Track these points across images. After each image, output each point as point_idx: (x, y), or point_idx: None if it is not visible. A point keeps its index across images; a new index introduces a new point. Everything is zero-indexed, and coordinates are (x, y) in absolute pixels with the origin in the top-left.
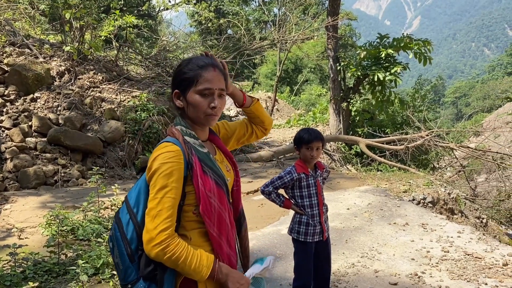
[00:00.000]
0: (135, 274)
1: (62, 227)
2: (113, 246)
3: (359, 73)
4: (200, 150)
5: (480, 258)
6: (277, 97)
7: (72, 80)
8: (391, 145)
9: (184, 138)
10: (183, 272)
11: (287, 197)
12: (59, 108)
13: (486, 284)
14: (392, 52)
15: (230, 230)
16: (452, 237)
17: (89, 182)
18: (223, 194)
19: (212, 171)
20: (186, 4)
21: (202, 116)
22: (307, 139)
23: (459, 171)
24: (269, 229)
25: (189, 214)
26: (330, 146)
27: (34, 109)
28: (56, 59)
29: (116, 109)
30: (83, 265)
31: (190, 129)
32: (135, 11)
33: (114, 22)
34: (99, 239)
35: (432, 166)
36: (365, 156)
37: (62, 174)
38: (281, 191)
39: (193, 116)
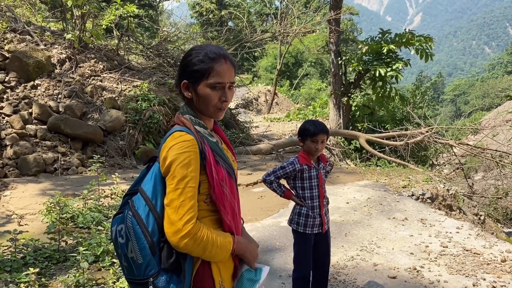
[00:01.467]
0: (156, 267)
1: (62, 214)
2: (128, 241)
3: (361, 68)
4: (210, 139)
5: (479, 254)
6: (276, 91)
7: (73, 68)
8: (391, 140)
9: (195, 127)
10: (210, 255)
11: (288, 188)
12: (60, 96)
13: (484, 279)
14: (394, 47)
15: (238, 218)
16: (451, 232)
17: (89, 170)
18: (233, 183)
19: (223, 160)
20: None
21: (212, 110)
22: (312, 132)
23: (457, 168)
24: (268, 221)
25: (201, 203)
26: (329, 141)
27: (34, 96)
28: (57, 46)
29: (117, 98)
30: (83, 252)
31: (198, 118)
32: (136, 1)
33: (115, 11)
34: (99, 227)
35: (431, 162)
36: (364, 151)
37: (62, 162)
38: (283, 181)
39: (202, 108)
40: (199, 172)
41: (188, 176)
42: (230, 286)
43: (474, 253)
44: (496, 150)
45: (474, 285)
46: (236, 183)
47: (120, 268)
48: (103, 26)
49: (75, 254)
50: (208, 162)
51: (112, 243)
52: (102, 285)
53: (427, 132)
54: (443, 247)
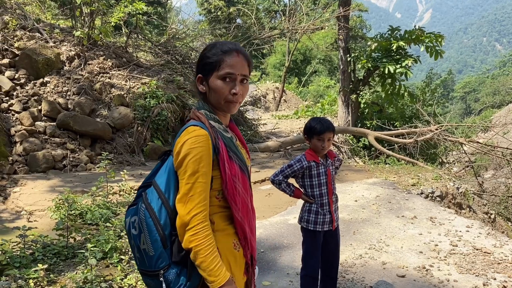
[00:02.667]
0: (167, 259)
1: (71, 211)
2: (140, 232)
3: (370, 65)
4: (225, 134)
5: (489, 253)
6: (285, 88)
7: (82, 65)
8: (400, 138)
9: (209, 122)
10: (200, 266)
11: (297, 186)
12: (69, 93)
13: (495, 279)
14: (404, 44)
15: (252, 214)
16: (460, 231)
17: (98, 167)
18: (246, 179)
19: (236, 156)
20: None
21: (223, 102)
22: (319, 130)
23: (467, 166)
24: (276, 218)
25: (213, 199)
26: (338, 138)
27: (43, 93)
28: (66, 44)
29: (125, 95)
30: (91, 249)
31: (213, 113)
32: None
33: (124, 8)
34: (108, 224)
35: (440, 160)
36: (373, 148)
37: (71, 159)
38: (291, 180)
39: (214, 101)
40: (211, 168)
41: (200, 171)
42: (242, 283)
43: (485, 252)
44: (507, 148)
45: (484, 285)
46: (249, 180)
47: (127, 264)
48: (112, 23)
49: (84, 251)
50: (221, 157)
51: (125, 235)
52: (110, 281)
53: (436, 129)
54: (453, 246)
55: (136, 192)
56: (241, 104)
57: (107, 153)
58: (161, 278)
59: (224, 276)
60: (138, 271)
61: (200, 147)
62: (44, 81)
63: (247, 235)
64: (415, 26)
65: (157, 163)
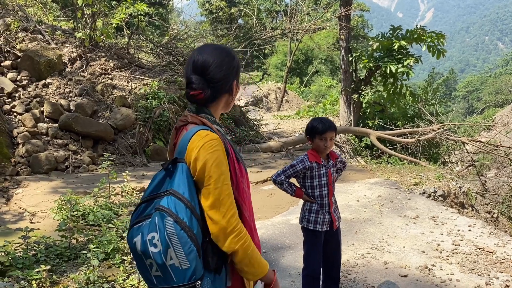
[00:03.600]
0: (202, 269)
1: (73, 212)
2: (167, 248)
3: (371, 65)
4: (227, 137)
5: (492, 252)
6: (286, 88)
7: (84, 67)
8: (402, 138)
9: (214, 126)
10: (250, 262)
11: (299, 186)
12: (71, 94)
13: (497, 278)
14: (405, 44)
15: (252, 214)
16: (463, 230)
17: (100, 168)
18: (248, 180)
19: (240, 158)
20: None
21: (233, 102)
22: (321, 129)
23: (469, 166)
24: (278, 218)
25: None
26: (340, 138)
27: (46, 94)
28: (68, 45)
29: (127, 96)
30: (94, 249)
31: (214, 117)
32: None
33: (126, 9)
34: (110, 225)
35: (442, 160)
36: (375, 148)
37: (73, 160)
38: (293, 180)
39: (232, 103)
40: (229, 168)
41: (223, 174)
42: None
43: (487, 251)
44: (509, 147)
45: (487, 284)
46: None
47: (129, 264)
48: (114, 24)
49: (86, 252)
50: (231, 159)
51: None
52: (112, 282)
53: (439, 129)
54: (455, 245)
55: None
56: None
57: (109, 154)
58: None
59: (267, 263)
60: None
61: (218, 150)
62: (46, 82)
63: (254, 234)
64: (416, 25)
65: (158, 167)
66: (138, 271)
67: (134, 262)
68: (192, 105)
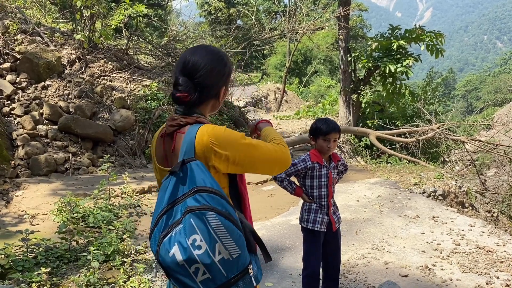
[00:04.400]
0: (248, 254)
1: (73, 214)
2: (214, 243)
3: (370, 65)
4: None
5: (492, 252)
6: (286, 88)
7: (83, 69)
8: (401, 137)
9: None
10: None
11: (299, 185)
12: (70, 96)
13: (498, 277)
14: (404, 43)
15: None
16: (463, 230)
17: (99, 170)
18: (245, 178)
19: None
20: None
21: (220, 105)
22: (325, 130)
23: (469, 165)
24: (278, 219)
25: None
26: (339, 138)
27: (45, 97)
28: (67, 47)
29: (126, 98)
30: (94, 251)
31: (205, 117)
32: (145, 0)
33: (124, 11)
34: (110, 227)
35: (442, 159)
36: (374, 148)
37: (73, 162)
38: (293, 179)
39: (218, 106)
40: None
41: (245, 137)
42: None
43: (487, 251)
44: (509, 146)
45: (487, 284)
46: None
47: (129, 266)
48: (112, 26)
49: (86, 254)
50: None
51: (128, 238)
52: (112, 284)
53: (438, 128)
54: (456, 245)
55: (138, 199)
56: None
57: (108, 155)
58: (251, 273)
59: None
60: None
61: (228, 129)
62: (45, 84)
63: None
64: (415, 25)
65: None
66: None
67: (134, 264)
68: (180, 106)
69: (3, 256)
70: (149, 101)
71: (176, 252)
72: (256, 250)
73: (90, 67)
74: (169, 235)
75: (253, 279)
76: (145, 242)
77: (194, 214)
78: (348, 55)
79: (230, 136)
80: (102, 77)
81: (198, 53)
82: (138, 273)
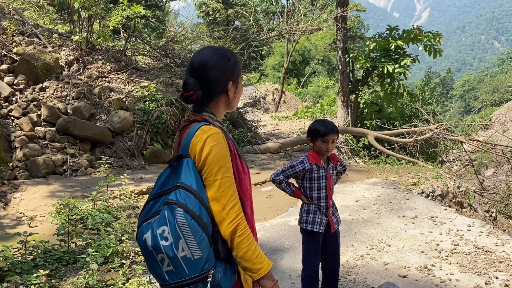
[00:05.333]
0: (213, 259)
1: (72, 216)
2: (178, 239)
3: (368, 65)
4: (229, 135)
5: (491, 252)
6: (284, 89)
7: (81, 70)
8: (400, 137)
9: (216, 123)
10: (244, 257)
11: (297, 187)
12: (68, 97)
13: (497, 277)
14: (402, 44)
15: (253, 213)
16: (462, 230)
17: (98, 171)
18: (250, 178)
19: (242, 155)
20: None
21: (238, 102)
22: (323, 132)
23: (467, 165)
24: (277, 220)
25: None
26: (337, 139)
27: (43, 98)
28: (64, 48)
29: (124, 99)
30: (93, 253)
31: (216, 116)
32: (143, 1)
33: (122, 12)
34: (109, 228)
35: (440, 159)
36: (373, 148)
37: (71, 164)
38: (292, 180)
39: (235, 102)
40: (231, 162)
41: (224, 167)
42: (251, 280)
43: (486, 251)
44: (507, 146)
45: (486, 284)
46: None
47: (128, 268)
48: (110, 27)
49: (85, 256)
50: (233, 155)
51: (127, 240)
52: (111, 286)
53: (436, 128)
54: (454, 245)
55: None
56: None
57: (107, 157)
58: (209, 279)
59: (268, 263)
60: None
61: (221, 143)
62: (43, 86)
63: (254, 231)
64: (413, 25)
65: (158, 167)
66: (149, 270)
67: (133, 266)
68: (193, 106)
69: (1, 258)
70: (148, 102)
71: (147, 237)
72: (231, 261)
73: (88, 69)
74: (148, 221)
75: (209, 285)
76: None
77: (168, 207)
78: (346, 55)
79: (213, 158)
80: (100, 79)
81: (202, 53)
82: (137, 274)
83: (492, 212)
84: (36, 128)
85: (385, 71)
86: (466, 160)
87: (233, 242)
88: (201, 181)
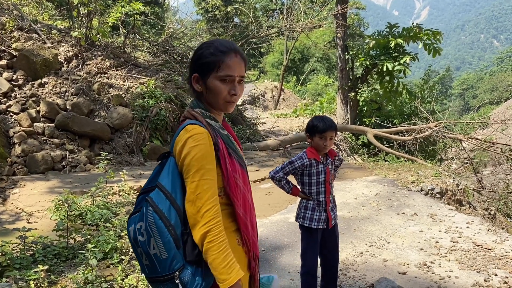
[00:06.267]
0: (181, 260)
1: (71, 211)
2: (149, 237)
3: (368, 63)
4: (222, 132)
5: (490, 249)
6: (283, 87)
7: (80, 66)
8: (399, 135)
9: (206, 120)
10: (212, 264)
11: (296, 184)
12: (67, 93)
13: (496, 275)
14: (402, 42)
15: (252, 210)
16: (461, 227)
17: (97, 167)
18: (245, 175)
19: (235, 153)
20: None
21: (222, 103)
22: (321, 128)
23: (466, 163)
24: (276, 217)
25: None
26: (337, 136)
27: (42, 94)
28: (63, 44)
29: (124, 95)
30: (92, 249)
31: (209, 112)
32: None
33: (122, 8)
34: (108, 224)
35: (439, 157)
36: (372, 146)
37: (70, 160)
38: (291, 177)
39: (212, 101)
40: (215, 164)
41: (203, 168)
42: (246, 278)
43: (485, 248)
44: (505, 144)
45: (485, 281)
46: (248, 176)
47: (127, 264)
48: (110, 23)
49: (84, 251)
50: (222, 154)
51: (130, 244)
52: (111, 282)
53: (435, 126)
54: (454, 242)
55: (136, 196)
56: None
57: (106, 153)
58: (177, 280)
59: (236, 275)
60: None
61: (202, 144)
62: (42, 82)
63: (249, 231)
64: (412, 23)
65: (156, 164)
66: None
67: (132, 262)
68: (191, 101)
69: (0, 253)
70: (147, 99)
71: (131, 230)
72: (204, 263)
73: (87, 65)
74: (135, 214)
75: (180, 286)
76: None
77: (145, 204)
78: (346, 53)
79: (191, 159)
80: (99, 75)
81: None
82: (137, 270)
83: (491, 210)
84: (35, 124)
85: (385, 69)
86: (465, 158)
87: (202, 247)
88: (177, 181)
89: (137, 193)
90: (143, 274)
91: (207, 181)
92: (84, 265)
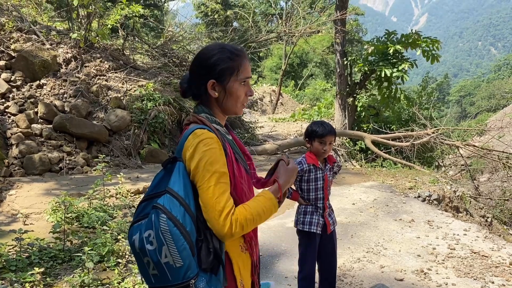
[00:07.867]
0: (196, 268)
1: (68, 214)
2: (161, 245)
3: (366, 69)
4: (228, 137)
5: (487, 257)
6: (281, 91)
7: (79, 68)
8: (397, 141)
9: (213, 125)
10: (264, 213)
11: (295, 189)
12: (65, 95)
13: (493, 282)
14: (400, 48)
15: None
16: (458, 234)
17: (94, 170)
18: (250, 181)
19: (240, 158)
20: None
21: (239, 106)
22: (321, 133)
23: (463, 170)
24: (274, 221)
25: None
26: (334, 141)
27: (40, 95)
28: (62, 46)
29: (122, 98)
30: (88, 252)
31: (214, 117)
32: (142, 1)
33: (121, 11)
34: (104, 227)
35: (437, 164)
36: (369, 152)
37: (67, 162)
38: None
39: (230, 105)
40: (227, 168)
41: (218, 172)
42: (249, 284)
43: (482, 255)
44: (502, 152)
45: None
46: (251, 181)
47: (124, 267)
48: (109, 25)
49: (80, 254)
50: (229, 159)
51: (123, 239)
52: (107, 285)
53: (433, 133)
54: (451, 249)
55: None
56: None
57: (103, 155)
58: None
59: (270, 199)
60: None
61: (214, 148)
62: (41, 83)
63: (252, 237)
64: (411, 30)
65: (154, 167)
66: (139, 271)
67: (129, 265)
68: (195, 107)
69: None
70: (145, 102)
71: (136, 239)
72: (217, 271)
73: (86, 67)
74: (138, 222)
75: None
76: None
77: (155, 211)
78: (344, 58)
79: (204, 164)
80: (98, 77)
81: (203, 48)
82: (133, 274)
83: (488, 217)
84: (32, 125)
85: (383, 75)
86: (462, 165)
87: (245, 231)
88: (189, 187)
89: (134, 196)
90: (144, 283)
91: (223, 184)
92: (80, 268)
